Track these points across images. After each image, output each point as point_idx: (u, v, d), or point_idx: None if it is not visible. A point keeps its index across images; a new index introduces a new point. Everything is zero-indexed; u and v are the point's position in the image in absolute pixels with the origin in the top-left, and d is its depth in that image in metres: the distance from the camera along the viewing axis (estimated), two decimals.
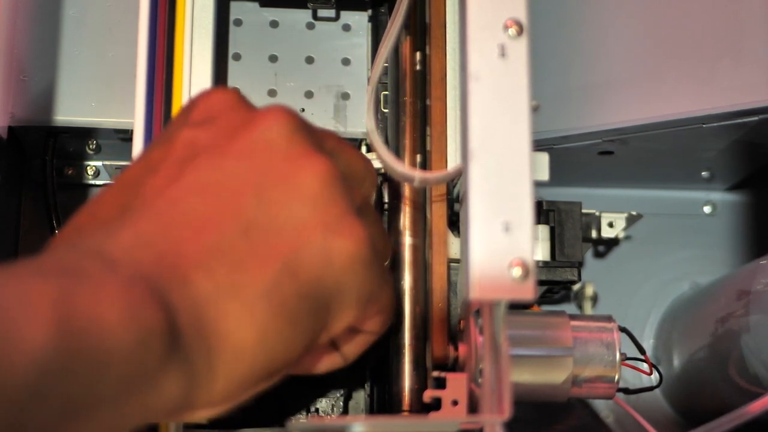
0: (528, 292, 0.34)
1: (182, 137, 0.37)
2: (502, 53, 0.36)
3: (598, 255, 0.69)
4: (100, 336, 0.29)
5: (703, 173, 0.66)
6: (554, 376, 0.45)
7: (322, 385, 0.49)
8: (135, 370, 0.31)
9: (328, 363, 0.42)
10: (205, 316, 0.33)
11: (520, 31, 0.37)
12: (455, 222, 0.49)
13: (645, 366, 0.50)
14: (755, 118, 0.56)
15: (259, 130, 0.37)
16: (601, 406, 0.65)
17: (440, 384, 0.42)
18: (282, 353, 0.35)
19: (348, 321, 0.38)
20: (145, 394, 0.31)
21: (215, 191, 0.35)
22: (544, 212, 0.53)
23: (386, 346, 0.47)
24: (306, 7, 0.54)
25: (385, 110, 0.51)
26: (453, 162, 0.48)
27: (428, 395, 0.42)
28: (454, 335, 0.47)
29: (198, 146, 0.36)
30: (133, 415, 0.32)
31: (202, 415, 0.35)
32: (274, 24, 0.54)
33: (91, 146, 0.56)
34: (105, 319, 0.30)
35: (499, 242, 0.35)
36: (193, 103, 0.39)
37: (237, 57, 0.53)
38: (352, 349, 0.42)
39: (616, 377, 0.45)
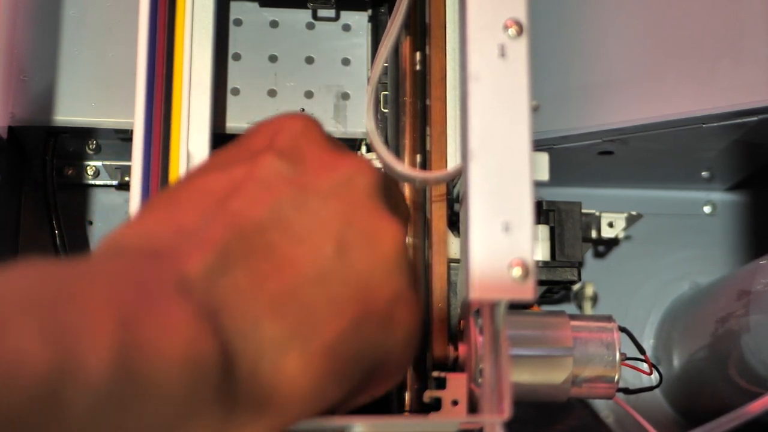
0: (528, 292, 0.34)
1: (267, 161, 0.35)
2: (502, 53, 0.36)
3: (598, 255, 0.69)
4: (158, 369, 0.28)
5: (703, 173, 0.66)
6: (554, 376, 0.45)
7: None
8: (185, 407, 0.30)
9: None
10: (264, 363, 0.32)
11: (520, 31, 0.37)
12: (455, 222, 0.49)
13: (645, 366, 0.50)
14: (755, 118, 0.56)
15: (345, 177, 0.36)
16: (601, 406, 0.65)
17: (440, 384, 0.42)
18: (323, 407, 0.34)
19: (389, 386, 0.37)
20: (187, 429, 0.30)
21: (297, 229, 0.34)
22: (544, 212, 0.53)
23: None
24: (306, 7, 0.54)
25: (385, 110, 0.51)
26: (453, 162, 0.48)
27: (428, 395, 0.42)
28: (454, 335, 0.47)
29: (282, 175, 0.35)
30: None
31: None
32: (274, 24, 0.54)
33: (91, 146, 0.56)
34: (167, 351, 0.28)
35: (499, 242, 0.35)
36: (279, 126, 0.37)
37: (237, 57, 0.53)
38: (348, 407, 0.40)
39: (616, 377, 0.45)
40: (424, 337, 0.47)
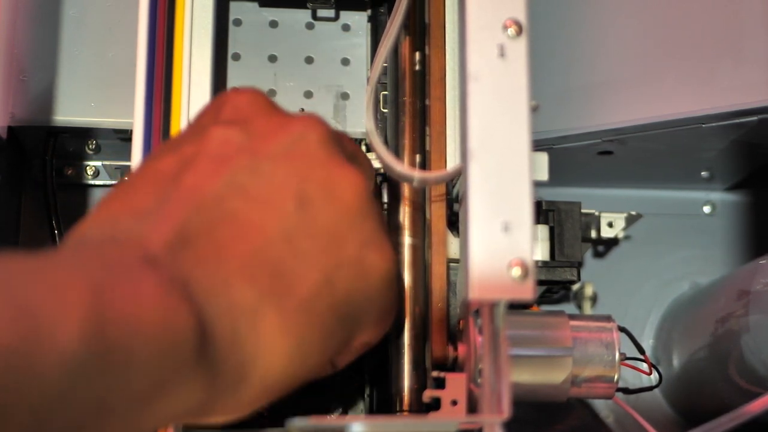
0: (527, 292, 0.34)
1: (215, 134, 0.36)
2: (502, 53, 0.36)
3: (598, 255, 0.69)
4: (132, 338, 0.29)
5: (702, 173, 0.66)
6: (554, 376, 0.45)
7: (322, 385, 0.49)
8: (162, 375, 0.30)
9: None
10: (242, 325, 0.32)
11: (520, 31, 0.37)
12: (455, 222, 0.49)
13: (645, 366, 0.50)
14: (755, 118, 0.56)
15: (294, 136, 0.36)
16: (601, 406, 0.65)
17: (440, 384, 0.42)
18: (311, 365, 0.34)
19: (370, 336, 0.38)
20: (169, 398, 0.31)
21: (255, 194, 0.34)
22: (543, 212, 0.53)
23: (385, 346, 0.47)
24: (306, 7, 0.54)
25: (385, 110, 0.51)
26: (452, 162, 0.48)
27: (428, 395, 0.42)
28: (454, 335, 0.47)
29: (232, 145, 0.35)
30: (155, 417, 0.31)
31: (219, 419, 0.34)
32: (273, 24, 0.54)
33: (90, 146, 0.56)
34: (140, 320, 0.29)
35: (499, 242, 0.35)
36: (223, 100, 0.38)
37: (236, 57, 0.53)
38: (347, 358, 0.41)
39: (616, 377, 0.45)
40: (423, 337, 0.47)
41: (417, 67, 0.50)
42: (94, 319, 0.28)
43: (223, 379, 0.32)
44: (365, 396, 0.50)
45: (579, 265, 0.53)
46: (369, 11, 0.54)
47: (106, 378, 0.28)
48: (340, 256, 0.35)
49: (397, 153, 0.49)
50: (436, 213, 0.48)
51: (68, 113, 0.53)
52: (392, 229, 0.48)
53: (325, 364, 0.35)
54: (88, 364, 0.27)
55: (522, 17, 0.37)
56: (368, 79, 0.52)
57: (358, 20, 0.54)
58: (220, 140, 0.36)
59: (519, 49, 0.36)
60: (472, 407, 0.41)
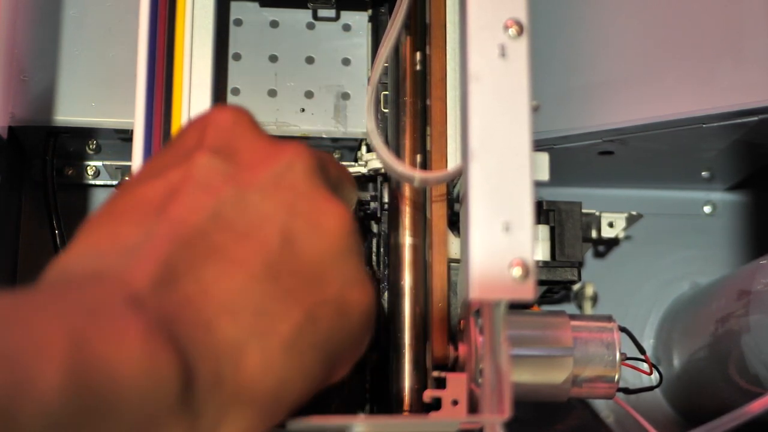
0: (528, 292, 0.34)
1: (201, 161, 0.35)
2: (502, 53, 0.36)
3: (598, 255, 0.69)
4: (115, 388, 0.28)
5: (703, 173, 0.66)
6: (554, 376, 0.45)
7: None
8: (145, 423, 0.29)
9: None
10: (224, 366, 0.32)
11: (520, 31, 0.37)
12: (455, 222, 0.49)
13: (645, 366, 0.50)
14: (755, 118, 0.56)
15: (281, 166, 0.35)
16: (601, 406, 0.65)
17: (440, 384, 0.42)
18: (291, 402, 0.34)
19: (347, 368, 0.37)
20: None
21: (240, 228, 0.34)
22: (544, 212, 0.53)
23: (386, 346, 0.47)
24: (306, 7, 0.54)
25: (385, 110, 0.51)
26: (453, 162, 0.48)
27: (428, 395, 0.42)
28: (454, 335, 0.47)
29: (218, 173, 0.35)
30: None
31: None
32: (274, 24, 0.54)
33: (91, 146, 0.56)
34: (123, 369, 0.28)
35: (499, 242, 0.35)
36: (207, 121, 0.37)
37: (237, 57, 0.53)
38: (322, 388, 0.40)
39: (616, 377, 0.45)
40: (424, 337, 0.47)
41: (418, 67, 0.50)
42: (75, 368, 0.27)
43: (205, 420, 0.31)
44: (365, 396, 0.50)
45: (579, 265, 0.53)
46: (370, 11, 0.54)
47: (88, 427, 0.28)
48: (323, 294, 0.34)
49: (398, 153, 0.49)
50: (437, 213, 0.48)
51: (68, 113, 0.53)
52: (393, 229, 0.48)
53: (305, 399, 0.35)
54: (69, 415, 0.27)
55: (523, 17, 0.37)
56: (369, 79, 0.52)
57: (359, 20, 0.54)
58: (206, 168, 0.35)
59: (520, 49, 0.36)
60: (473, 407, 0.41)
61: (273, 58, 0.53)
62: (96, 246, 0.33)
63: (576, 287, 0.66)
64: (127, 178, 0.45)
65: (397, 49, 0.50)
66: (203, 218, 0.34)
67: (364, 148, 0.52)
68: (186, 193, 0.34)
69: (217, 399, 0.32)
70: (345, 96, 0.53)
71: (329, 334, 0.34)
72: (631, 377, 0.60)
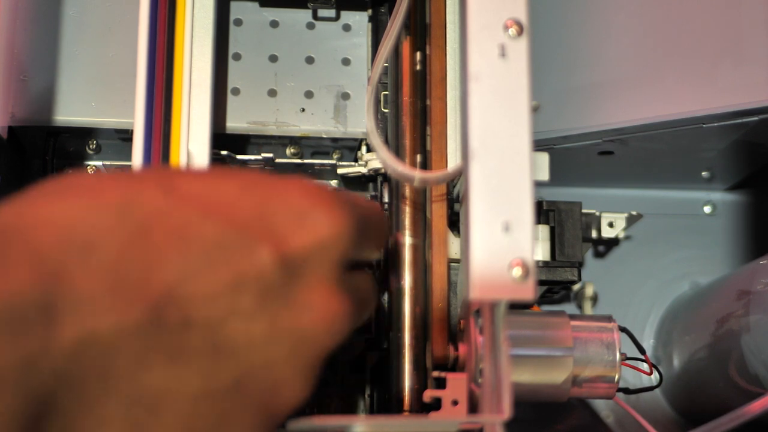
0: (528, 292, 0.34)
1: (267, 268, 0.30)
2: (502, 53, 0.36)
3: (598, 255, 0.69)
4: None
5: (703, 173, 0.66)
6: (554, 376, 0.45)
7: (322, 384, 0.49)
8: None
9: None
10: None
11: (520, 31, 0.37)
12: (455, 222, 0.49)
13: (645, 366, 0.50)
14: (755, 118, 0.56)
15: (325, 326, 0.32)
16: (601, 406, 0.65)
17: (440, 384, 0.42)
18: None
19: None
20: None
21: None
22: (544, 212, 0.53)
23: (386, 346, 0.47)
24: (306, 7, 0.54)
25: (385, 110, 0.51)
26: (453, 162, 0.48)
27: (428, 395, 0.42)
28: (454, 335, 0.47)
29: (265, 296, 0.31)
30: None
31: None
32: (274, 24, 0.54)
33: (91, 146, 0.56)
34: None
35: (499, 242, 0.35)
36: (308, 211, 0.32)
37: (237, 57, 0.53)
38: None
39: (616, 377, 0.45)
40: (424, 337, 0.47)
41: (418, 67, 0.50)
42: None
43: None
44: (365, 396, 0.50)
45: (579, 265, 0.53)
46: (370, 11, 0.54)
47: None
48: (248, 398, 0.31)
49: (398, 153, 0.49)
50: (437, 213, 0.48)
51: (68, 113, 0.53)
52: (392, 229, 0.48)
53: None
54: None
55: (523, 17, 0.37)
56: (369, 79, 0.52)
57: (359, 20, 0.54)
58: (262, 283, 0.30)
59: (520, 49, 0.36)
60: (473, 407, 0.41)
61: (273, 58, 0.53)
62: (61, 264, 0.29)
63: (576, 287, 0.66)
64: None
65: (396, 49, 0.50)
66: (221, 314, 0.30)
67: (364, 148, 0.52)
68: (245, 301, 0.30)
69: None
70: (345, 96, 0.53)
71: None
72: (631, 377, 0.60)
